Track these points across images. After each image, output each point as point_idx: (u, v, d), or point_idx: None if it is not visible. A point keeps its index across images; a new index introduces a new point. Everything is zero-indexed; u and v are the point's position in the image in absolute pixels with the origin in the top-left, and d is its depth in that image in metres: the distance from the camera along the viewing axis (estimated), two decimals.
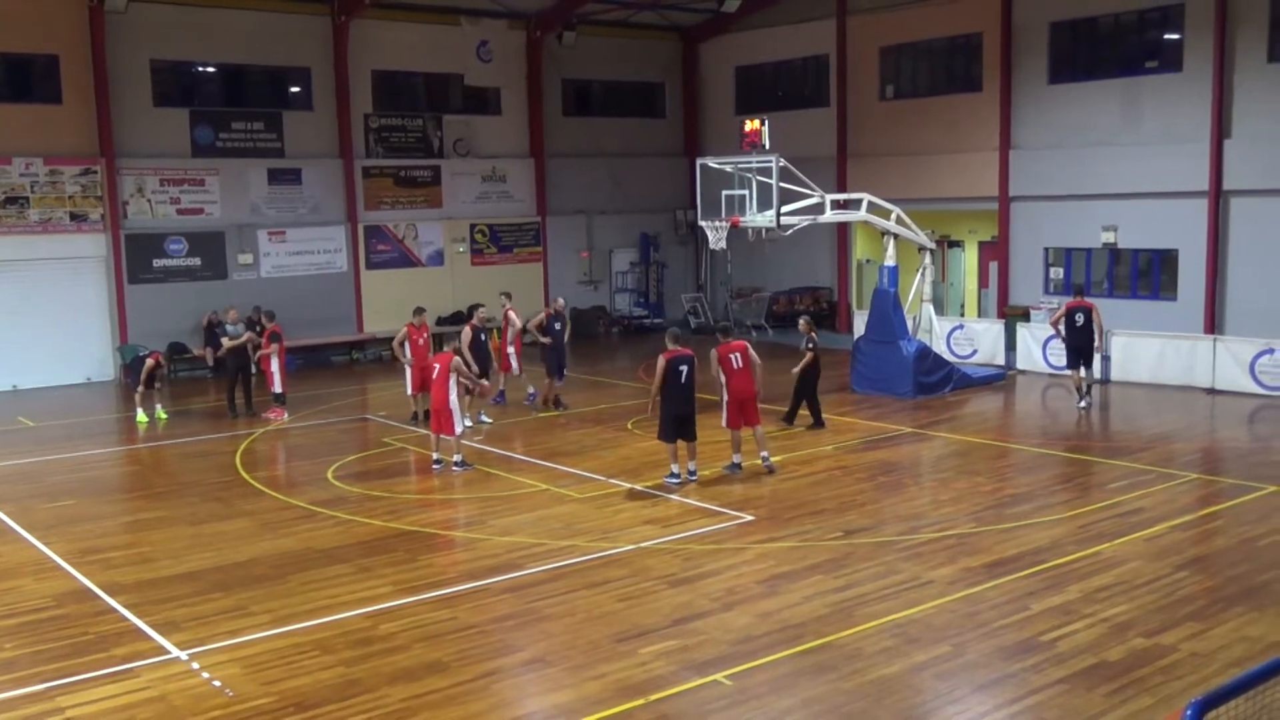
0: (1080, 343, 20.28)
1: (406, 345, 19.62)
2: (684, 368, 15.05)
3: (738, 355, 15.64)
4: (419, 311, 20.02)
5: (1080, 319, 20.25)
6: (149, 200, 26.12)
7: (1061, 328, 20.50)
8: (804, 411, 18.82)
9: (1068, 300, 20.96)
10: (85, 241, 25.41)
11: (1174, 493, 14.48)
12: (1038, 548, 12.23)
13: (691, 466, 15.38)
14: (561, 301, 22.07)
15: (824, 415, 18.81)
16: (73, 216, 25.24)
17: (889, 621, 10.21)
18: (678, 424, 15.17)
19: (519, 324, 20.90)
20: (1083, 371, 20.32)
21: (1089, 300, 20.96)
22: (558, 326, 20.83)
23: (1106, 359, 22.71)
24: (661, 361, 15.03)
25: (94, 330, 25.62)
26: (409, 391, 20.02)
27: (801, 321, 19.21)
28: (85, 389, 24.91)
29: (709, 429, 16.53)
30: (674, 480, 15.17)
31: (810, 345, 18.57)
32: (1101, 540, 12.45)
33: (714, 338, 17.34)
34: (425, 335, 19.75)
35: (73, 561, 12.49)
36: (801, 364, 18.52)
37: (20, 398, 23.79)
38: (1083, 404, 20.20)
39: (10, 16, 24.08)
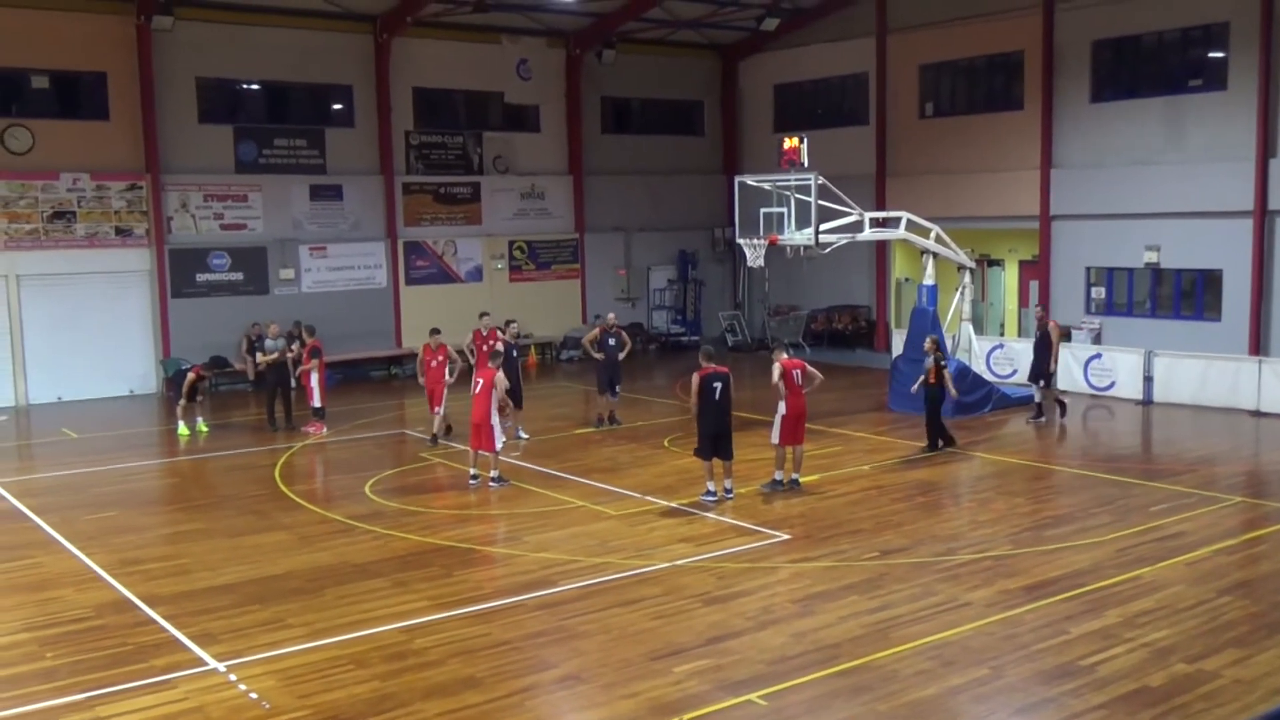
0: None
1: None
2: (718, 385, 15.01)
3: (798, 372, 15.69)
4: (434, 332, 19.98)
5: (1038, 336, 20.88)
6: (193, 215, 26.45)
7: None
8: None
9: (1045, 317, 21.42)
10: (130, 256, 25.76)
11: (1217, 516, 14.28)
12: (1077, 570, 12.10)
13: (728, 484, 15.34)
14: (613, 317, 21.95)
15: (861, 434, 18.69)
16: (118, 231, 25.59)
17: (925, 643, 10.12)
18: (713, 441, 15.14)
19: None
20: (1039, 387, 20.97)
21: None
22: (611, 343, 20.70)
23: (1149, 380, 22.50)
24: (695, 378, 15.03)
25: (137, 343, 25.93)
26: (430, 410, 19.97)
27: (926, 341, 18.92)
28: (128, 401, 25.21)
29: (747, 446, 16.49)
30: (710, 498, 15.14)
31: (932, 363, 18.14)
32: (1142, 564, 12.29)
33: (754, 354, 17.27)
34: (440, 357, 19.54)
35: (113, 572, 12.63)
36: (918, 382, 18.27)
37: (64, 409, 24.11)
38: (1043, 419, 20.59)
39: (59, 35, 24.52)
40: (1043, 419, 20.56)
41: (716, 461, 15.24)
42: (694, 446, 15.62)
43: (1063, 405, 20.93)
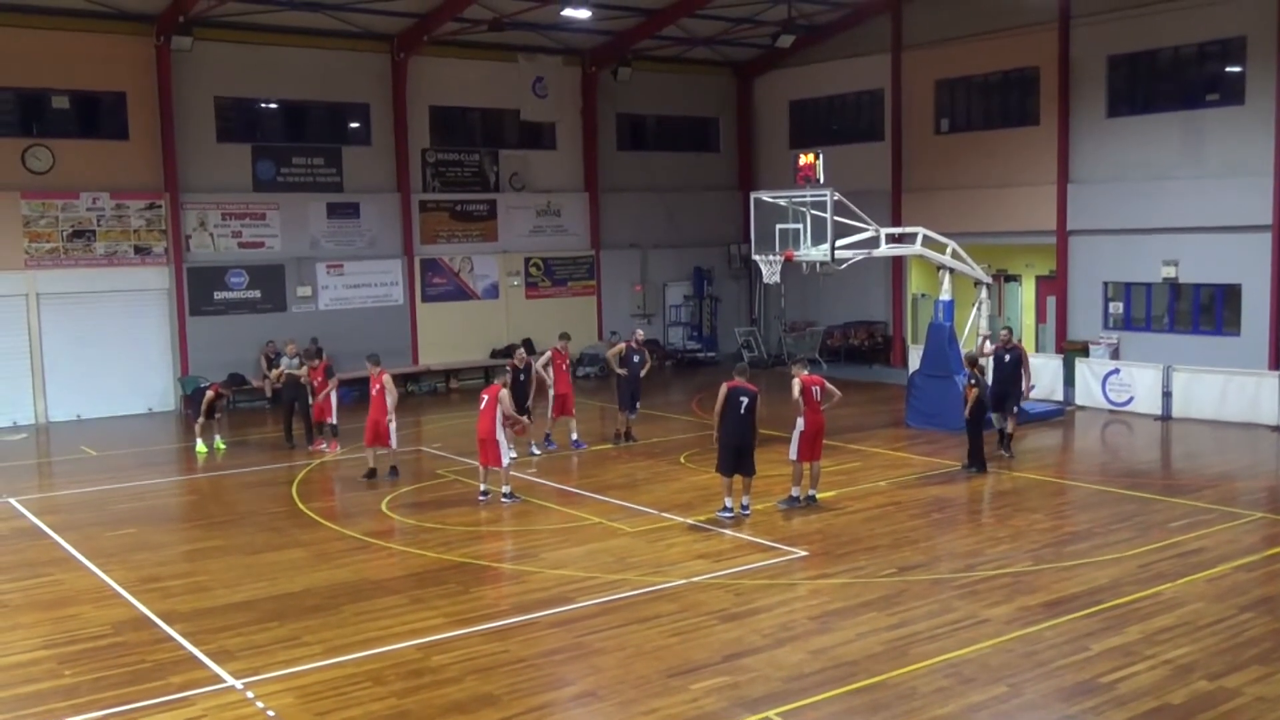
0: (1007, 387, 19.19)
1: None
2: (744, 399, 14.91)
3: (817, 389, 15.66)
4: (371, 359, 18.62)
5: (1008, 358, 19.25)
6: (211, 234, 26.60)
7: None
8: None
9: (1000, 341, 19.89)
10: (149, 274, 25.91)
11: (1237, 532, 14.19)
12: (1097, 587, 12.03)
13: (745, 501, 15.29)
14: (640, 333, 21.97)
15: (878, 450, 18.62)
16: (137, 250, 25.75)
17: (944, 660, 10.07)
18: (735, 456, 15.05)
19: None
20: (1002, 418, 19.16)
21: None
22: (636, 359, 20.71)
23: (1168, 395, 22.37)
24: (722, 388, 14.99)
25: (156, 361, 26.05)
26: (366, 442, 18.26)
27: (966, 357, 18.62)
28: (147, 419, 25.31)
29: (765, 462, 16.43)
30: (727, 514, 15.09)
31: (972, 381, 17.81)
32: (1163, 580, 12.22)
33: (770, 370, 17.22)
34: (377, 387, 18.03)
35: (132, 589, 12.66)
36: (969, 404, 17.69)
37: (83, 427, 24.22)
38: (1003, 452, 18.81)
39: (80, 55, 24.72)
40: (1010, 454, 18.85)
41: (737, 477, 15.18)
42: (714, 463, 15.56)
43: (1009, 438, 19.10)
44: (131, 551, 14.31)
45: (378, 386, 18.03)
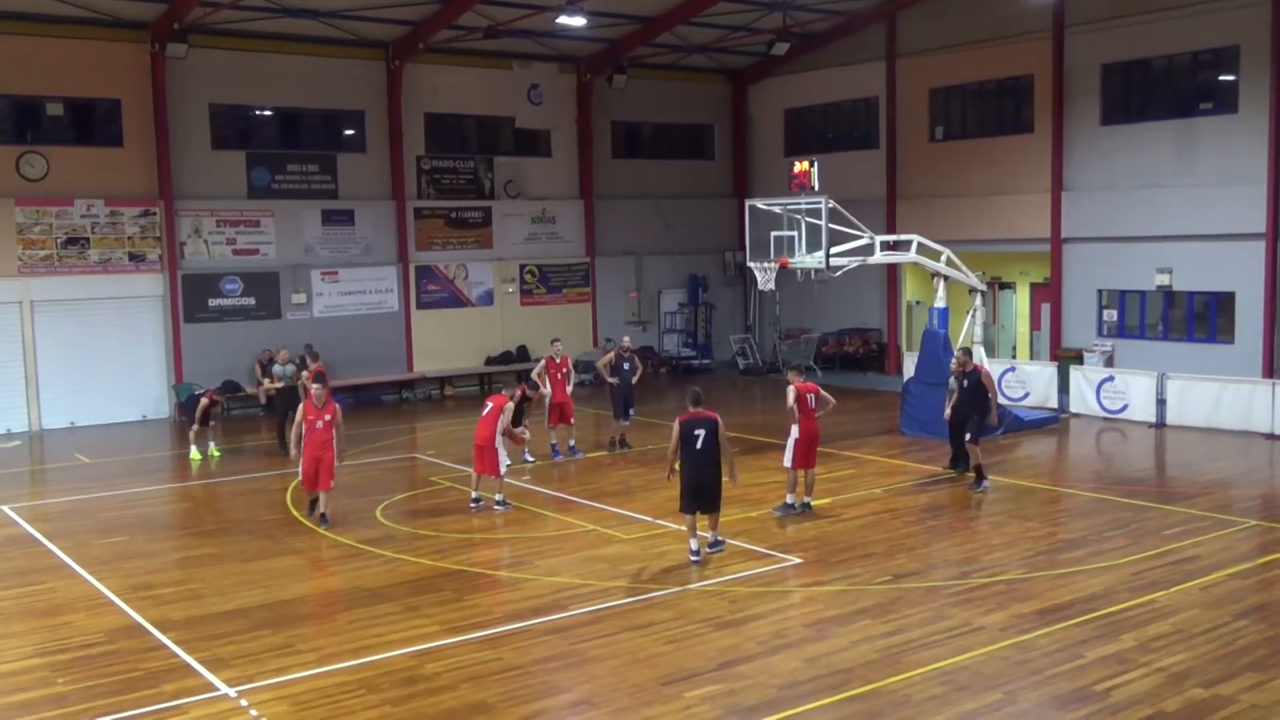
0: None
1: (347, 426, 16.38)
2: (700, 432, 13.31)
3: (812, 396, 15.65)
4: (318, 381, 16.07)
5: (965, 384, 17.35)
6: (205, 241, 26.58)
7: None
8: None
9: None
10: (143, 281, 25.90)
11: (1232, 540, 14.20)
12: (1091, 594, 12.02)
13: (714, 538, 13.77)
14: (628, 340, 21.98)
15: (873, 457, 18.60)
16: (131, 257, 25.73)
17: (938, 668, 10.06)
18: (694, 495, 13.41)
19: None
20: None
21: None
22: (626, 367, 20.73)
23: (1162, 403, 22.37)
24: (675, 424, 13.48)
25: (150, 368, 26.03)
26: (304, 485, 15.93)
27: (954, 360, 18.36)
28: (141, 426, 25.27)
29: (759, 470, 16.43)
30: (694, 558, 13.43)
31: (964, 384, 17.63)
32: (1157, 588, 12.22)
33: (765, 377, 17.17)
34: (326, 416, 15.36)
35: (125, 597, 12.63)
36: (952, 403, 17.61)
37: (77, 434, 24.18)
38: (986, 485, 17.04)
39: (75, 62, 24.72)
40: (987, 484, 17.08)
41: (700, 515, 13.57)
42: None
43: (978, 469, 17.32)
44: (125, 559, 14.28)
45: (326, 417, 15.35)
